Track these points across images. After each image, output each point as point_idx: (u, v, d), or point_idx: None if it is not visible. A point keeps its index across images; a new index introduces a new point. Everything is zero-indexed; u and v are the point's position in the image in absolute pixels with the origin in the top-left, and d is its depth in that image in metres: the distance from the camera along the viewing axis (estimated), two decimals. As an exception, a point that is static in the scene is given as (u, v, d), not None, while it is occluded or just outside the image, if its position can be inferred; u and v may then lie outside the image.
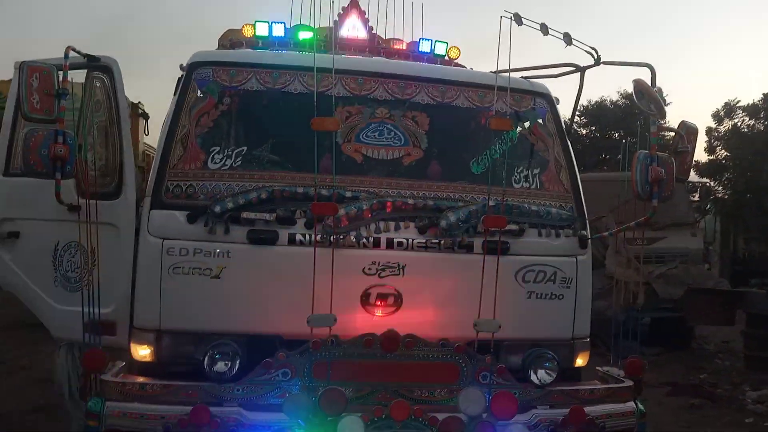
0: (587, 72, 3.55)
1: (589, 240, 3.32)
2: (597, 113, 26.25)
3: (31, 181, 3.05)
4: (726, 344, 11.17)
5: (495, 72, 3.18)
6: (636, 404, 2.91)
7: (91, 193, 2.86)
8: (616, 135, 25.89)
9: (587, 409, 2.73)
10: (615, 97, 26.64)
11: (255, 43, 3.64)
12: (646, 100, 2.85)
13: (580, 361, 3.22)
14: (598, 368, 3.22)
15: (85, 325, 2.78)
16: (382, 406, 2.52)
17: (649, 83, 2.96)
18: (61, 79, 2.80)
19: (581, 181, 3.43)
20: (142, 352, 2.87)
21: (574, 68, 3.52)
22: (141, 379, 2.64)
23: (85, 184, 2.92)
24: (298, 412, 2.37)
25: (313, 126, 2.62)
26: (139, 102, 7.86)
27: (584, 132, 26.82)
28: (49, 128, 2.74)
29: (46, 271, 3.13)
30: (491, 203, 3.10)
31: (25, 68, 2.75)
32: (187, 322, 2.85)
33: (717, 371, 9.05)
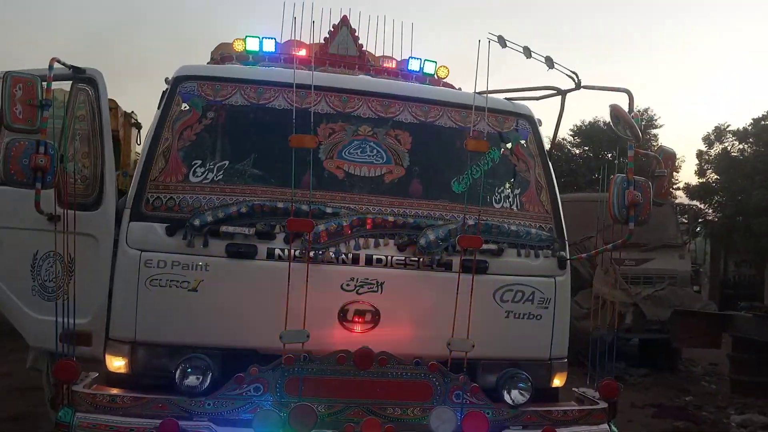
0: (570, 95, 3.60)
1: (568, 261, 3.34)
2: (590, 133, 26.47)
3: (12, 190, 3.06)
4: (713, 367, 11.17)
5: (477, 93, 3.22)
6: (609, 427, 2.91)
7: (71, 203, 2.87)
8: (609, 155, 26.08)
9: (560, 430, 2.74)
10: (608, 118, 26.80)
11: (245, 57, 3.67)
12: (622, 126, 2.90)
13: (557, 382, 3.23)
14: (574, 389, 3.23)
15: (59, 336, 2.77)
16: (353, 424, 2.52)
17: (627, 108, 3.00)
18: (44, 89, 2.82)
19: (572, 201, 3.47)
20: (117, 363, 2.86)
21: (555, 92, 3.57)
22: (112, 391, 2.63)
23: (65, 195, 2.92)
24: (267, 429, 2.37)
25: (291, 143, 2.65)
26: (132, 112, 7.91)
27: (578, 152, 27.03)
28: (31, 138, 2.76)
29: (25, 280, 3.13)
30: (470, 222, 3.13)
31: (8, 78, 2.77)
32: (163, 334, 2.84)
33: (702, 394, 9.03)
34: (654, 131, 24.14)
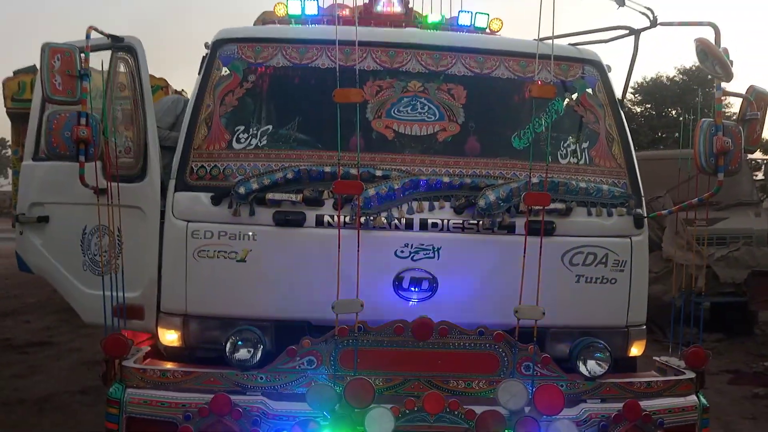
0: (643, 36, 3.23)
1: (646, 219, 3.03)
2: (652, 90, 25.18)
3: (59, 165, 3.01)
4: (793, 331, 10.52)
5: (538, 39, 2.92)
6: (699, 398, 2.63)
7: (116, 175, 2.79)
8: (674, 112, 24.75)
9: (643, 403, 2.49)
10: (672, 72, 25.45)
11: (287, 22, 3.49)
12: (710, 62, 2.54)
13: (635, 350, 2.97)
14: (655, 358, 2.95)
15: (112, 310, 2.72)
16: (414, 398, 2.35)
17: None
18: (83, 59, 2.73)
19: (636, 161, 3.15)
20: (170, 336, 2.80)
21: (627, 31, 3.21)
22: (163, 366, 2.56)
23: (109, 167, 2.85)
24: (322, 404, 2.23)
25: (335, 98, 2.45)
26: (183, 90, 7.91)
27: (639, 110, 25.79)
28: (72, 110, 2.68)
29: (75, 255, 3.10)
30: (534, 180, 2.86)
31: (47, 50, 2.69)
32: (213, 306, 2.75)
33: (783, 359, 8.49)
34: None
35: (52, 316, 9.50)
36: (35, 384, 6.14)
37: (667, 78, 25.54)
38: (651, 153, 11.22)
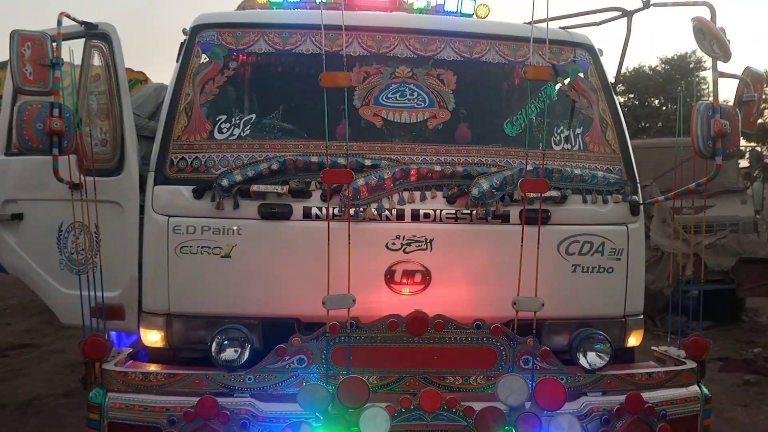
0: (636, 20, 3.15)
1: (642, 206, 2.96)
2: (635, 80, 25.28)
3: (33, 160, 2.87)
4: (780, 317, 10.62)
5: (532, 22, 2.83)
6: (700, 388, 2.57)
7: (93, 169, 2.66)
8: (656, 102, 24.90)
9: (645, 395, 2.42)
10: (654, 62, 25.61)
11: (268, 9, 3.36)
12: (707, 41, 2.46)
13: (633, 341, 2.90)
14: (654, 348, 2.89)
15: (91, 311, 2.59)
16: (410, 396, 2.25)
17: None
18: (55, 48, 2.59)
19: (630, 146, 3.08)
20: (153, 337, 2.67)
21: (620, 13, 3.13)
22: (145, 368, 2.44)
23: (84, 161, 2.71)
24: (314, 405, 2.13)
25: (321, 82, 2.33)
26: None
27: (622, 100, 25.94)
28: (44, 101, 2.54)
29: (52, 254, 2.96)
30: (529, 167, 2.78)
31: (16, 37, 2.55)
32: (198, 305, 2.64)
33: (772, 345, 8.56)
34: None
35: (34, 318, 9.29)
36: (17, 388, 5.96)
37: (650, 68, 25.66)
38: (637, 142, 11.23)
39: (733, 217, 10.14)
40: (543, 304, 2.33)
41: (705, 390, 2.56)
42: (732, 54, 2.46)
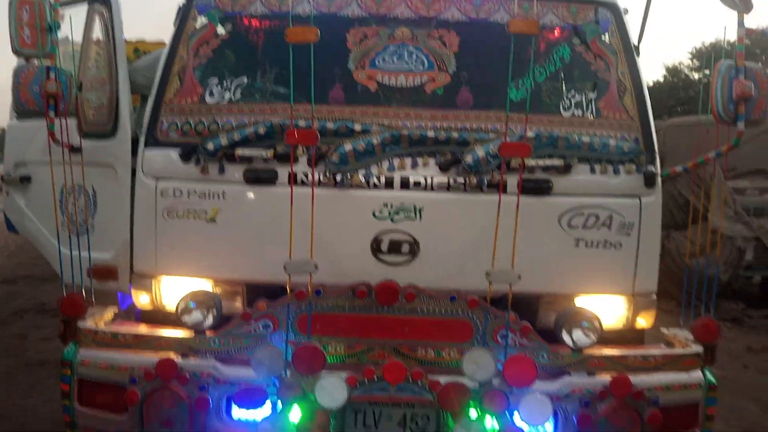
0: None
1: (659, 177, 2.70)
2: (712, 56, 23.74)
3: (38, 124, 2.95)
4: None
5: None
6: (704, 374, 2.34)
7: (88, 132, 2.69)
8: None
9: (637, 378, 2.22)
10: (733, 36, 24.06)
11: None
12: None
13: (642, 322, 2.68)
14: (663, 330, 2.66)
15: (85, 271, 2.65)
16: (373, 367, 2.16)
17: None
18: (54, 12, 2.62)
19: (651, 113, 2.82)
20: (143, 299, 2.71)
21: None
22: (115, 328, 2.46)
23: (84, 124, 2.75)
24: (269, 370, 2.07)
25: (287, 38, 2.24)
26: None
27: (697, 76, 24.42)
28: (40, 64, 2.58)
29: (54, 215, 3.04)
30: (531, 134, 2.59)
31: (14, 0, 2.60)
32: (184, 268, 2.64)
33: (838, 339, 7.91)
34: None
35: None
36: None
37: (728, 43, 24.00)
38: (702, 118, 10.52)
39: (802, 199, 9.40)
40: (520, 277, 2.17)
41: (710, 377, 2.33)
42: (753, 5, 2.18)
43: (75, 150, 2.73)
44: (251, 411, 2.16)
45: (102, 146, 2.80)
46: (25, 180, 3.17)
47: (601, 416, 2.20)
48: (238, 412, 2.24)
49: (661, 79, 25.06)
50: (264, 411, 2.16)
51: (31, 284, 9.73)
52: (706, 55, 24.18)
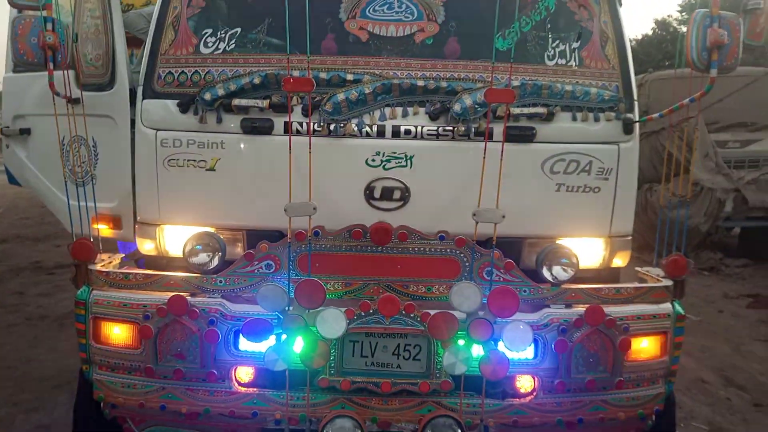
0: None
1: (636, 124, 2.84)
2: (702, 6, 23.50)
3: (36, 76, 2.99)
4: (826, 257, 10.15)
5: None
6: (673, 306, 2.54)
7: (86, 84, 2.75)
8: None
9: (610, 309, 2.42)
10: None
11: None
12: None
13: (618, 261, 2.86)
14: (637, 269, 2.85)
15: (91, 220, 2.76)
16: (368, 301, 2.33)
17: None
18: None
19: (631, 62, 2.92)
20: (147, 246, 2.82)
21: None
22: (126, 270, 2.60)
23: (81, 76, 2.81)
24: (273, 304, 2.23)
25: None
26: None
27: (685, 29, 24.24)
28: (37, 15, 2.62)
29: (57, 167, 3.12)
30: (516, 83, 2.70)
31: None
32: (185, 216, 2.75)
33: (810, 285, 8.25)
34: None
35: (82, 240, 9.86)
36: (58, 302, 6.44)
37: (719, -7, 23.75)
38: (686, 71, 10.59)
39: (782, 152, 9.59)
40: (504, 216, 2.32)
41: (679, 308, 2.53)
42: None
43: (75, 101, 2.79)
44: (257, 342, 2.33)
45: (100, 98, 2.87)
46: (25, 132, 3.23)
47: (577, 343, 2.40)
48: (244, 344, 2.41)
49: (650, 33, 24.87)
50: (269, 342, 2.33)
51: (22, 243, 9.79)
52: (694, 8, 23.98)
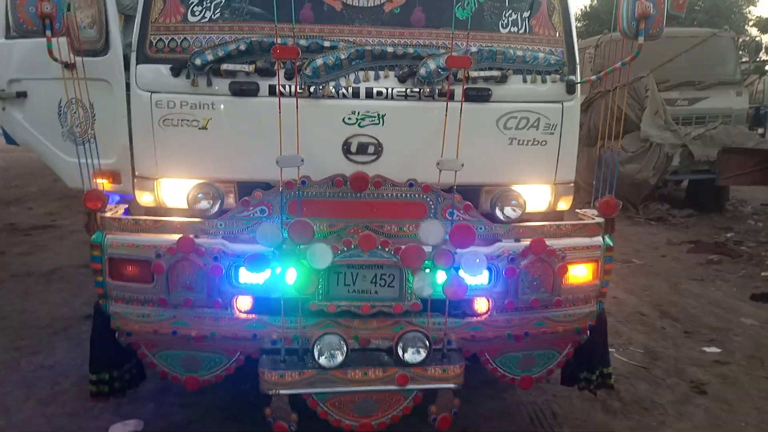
0: None
1: (578, 85, 3.26)
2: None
3: (30, 42, 3.21)
4: (766, 207, 10.96)
5: None
6: (603, 239, 3.02)
7: (82, 50, 2.99)
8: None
9: (550, 241, 2.87)
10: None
11: None
12: None
13: (563, 205, 3.32)
14: (577, 210, 3.31)
15: (92, 175, 3.04)
16: (351, 238, 2.74)
17: None
18: None
19: (574, 29, 3.30)
20: (146, 198, 3.13)
21: None
22: (136, 216, 2.93)
23: (76, 42, 3.03)
24: (270, 240, 2.61)
25: None
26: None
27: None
28: None
29: (54, 127, 3.38)
30: (474, 49, 3.07)
31: None
32: (181, 170, 3.05)
33: (746, 231, 8.99)
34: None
35: (54, 203, 9.96)
36: (41, 260, 6.67)
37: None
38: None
39: (726, 109, 10.22)
40: (463, 165, 2.72)
41: (608, 240, 3.01)
42: None
43: (69, 66, 3.04)
44: (256, 274, 2.72)
45: (95, 63, 3.12)
46: (21, 95, 3.45)
47: (523, 269, 2.86)
48: (244, 278, 2.79)
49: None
50: (266, 275, 2.72)
51: (-7, 206, 9.81)
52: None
